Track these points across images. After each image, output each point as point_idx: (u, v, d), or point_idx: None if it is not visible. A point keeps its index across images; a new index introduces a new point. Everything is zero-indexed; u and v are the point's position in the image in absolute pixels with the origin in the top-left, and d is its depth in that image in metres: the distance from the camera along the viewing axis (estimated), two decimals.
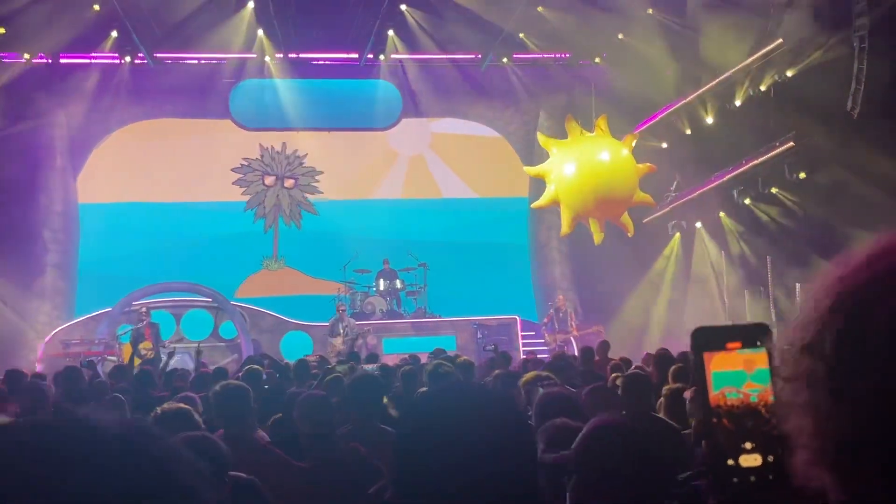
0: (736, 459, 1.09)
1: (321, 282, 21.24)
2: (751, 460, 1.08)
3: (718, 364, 1.11)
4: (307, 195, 22.53)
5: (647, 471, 2.71)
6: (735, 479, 1.09)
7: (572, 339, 19.04)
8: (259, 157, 22.43)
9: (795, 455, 0.96)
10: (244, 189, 22.26)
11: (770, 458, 1.08)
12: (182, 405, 4.50)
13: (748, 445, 1.09)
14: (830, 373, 0.91)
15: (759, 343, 1.11)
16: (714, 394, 1.10)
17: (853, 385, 0.88)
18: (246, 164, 22.35)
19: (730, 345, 1.12)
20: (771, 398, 1.09)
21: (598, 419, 2.97)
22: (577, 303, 21.71)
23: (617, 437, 2.74)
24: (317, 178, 22.52)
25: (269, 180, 22.37)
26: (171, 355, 14.43)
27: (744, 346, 1.11)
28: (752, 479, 1.08)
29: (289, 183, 22.50)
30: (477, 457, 1.58)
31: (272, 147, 22.50)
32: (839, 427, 0.90)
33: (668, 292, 20.53)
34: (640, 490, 2.65)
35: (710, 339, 1.13)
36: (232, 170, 22.23)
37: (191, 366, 14.95)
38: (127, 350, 16.79)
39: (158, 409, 5.02)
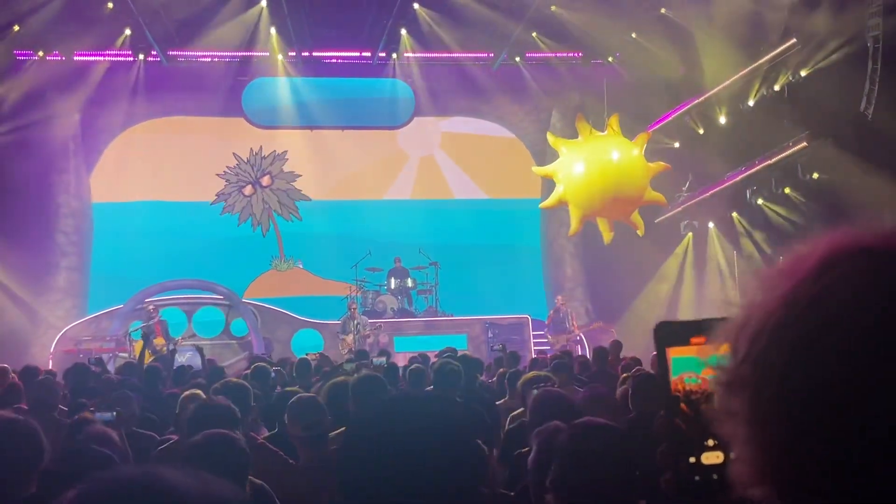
0: (698, 457, 1.07)
1: (330, 283, 21.19)
2: (713, 458, 1.06)
3: (676, 352, 1.09)
4: (290, 184, 22.33)
5: (627, 473, 2.68)
6: (697, 478, 1.07)
7: (582, 337, 19.03)
8: (232, 169, 22.21)
9: (735, 477, 0.94)
10: (230, 206, 22.15)
11: (733, 456, 1.06)
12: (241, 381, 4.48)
13: (710, 443, 1.07)
14: (776, 387, 0.88)
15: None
16: (673, 379, 1.08)
17: (799, 400, 0.86)
18: (224, 181, 22.15)
19: (694, 339, 1.10)
20: None
21: (580, 421, 2.95)
22: (589, 302, 21.68)
23: (593, 440, 2.72)
24: (295, 178, 22.35)
25: (247, 190, 22.24)
26: (173, 352, 14.44)
27: (708, 341, 1.09)
28: (715, 476, 1.06)
29: (265, 180, 22.36)
30: (413, 467, 1.58)
31: (254, 151, 22.34)
32: (780, 440, 0.88)
33: (680, 292, 20.46)
34: (615, 492, 2.63)
35: (673, 333, 1.11)
36: (216, 195, 22.06)
37: (198, 363, 14.98)
38: (138, 347, 16.82)
39: (219, 385, 5.05)
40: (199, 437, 3.25)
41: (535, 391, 4.34)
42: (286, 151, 22.33)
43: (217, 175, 22.04)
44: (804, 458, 0.86)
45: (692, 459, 1.07)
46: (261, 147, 22.29)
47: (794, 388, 0.86)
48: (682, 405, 1.07)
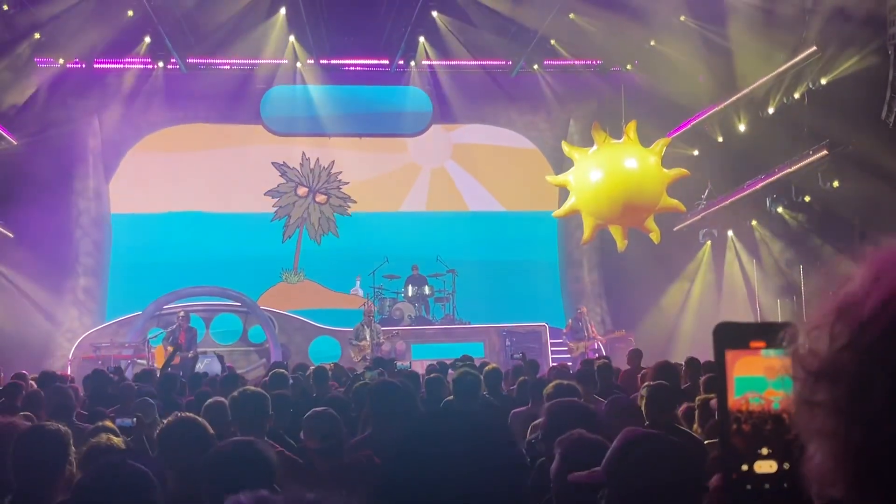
0: (751, 465, 1.04)
1: (342, 295, 21.13)
2: (766, 467, 1.04)
3: (741, 369, 1.06)
4: (337, 213, 22.48)
5: (683, 484, 2.64)
6: (748, 486, 1.04)
7: (600, 345, 18.96)
8: (297, 167, 22.41)
9: (810, 474, 0.90)
10: (276, 199, 22.28)
11: (786, 466, 1.03)
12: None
13: (764, 451, 1.04)
14: (890, 381, 0.84)
15: (784, 344, 1.06)
16: (735, 398, 1.05)
17: (876, 417, 0.82)
18: (282, 171, 22.32)
19: (753, 343, 1.06)
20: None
21: (629, 431, 2.90)
22: (607, 311, 21.61)
23: (652, 450, 2.68)
24: (349, 203, 22.43)
25: (301, 191, 22.35)
26: (195, 359, 14.46)
27: (768, 345, 1.06)
28: (766, 486, 1.03)
29: (321, 198, 22.45)
30: (461, 489, 1.54)
31: (310, 158, 22.41)
32: (861, 456, 0.84)
33: (699, 301, 20.37)
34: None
35: (733, 335, 1.08)
36: (273, 166, 22.16)
37: (218, 370, 15.00)
38: (159, 352, 16.83)
39: (236, 393, 5.03)
40: (227, 443, 3.25)
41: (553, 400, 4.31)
42: (341, 173, 22.39)
43: (273, 164, 22.15)
44: (890, 476, 0.82)
45: (745, 468, 1.04)
46: (317, 159, 22.36)
47: (879, 411, 0.82)
48: (744, 426, 1.04)
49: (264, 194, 22.12)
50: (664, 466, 2.64)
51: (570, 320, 19.25)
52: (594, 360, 11.60)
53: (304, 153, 22.37)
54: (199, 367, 14.53)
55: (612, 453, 2.75)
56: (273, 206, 22.17)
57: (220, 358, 15.03)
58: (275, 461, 3.17)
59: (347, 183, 22.44)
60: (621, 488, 2.68)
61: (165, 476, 3.66)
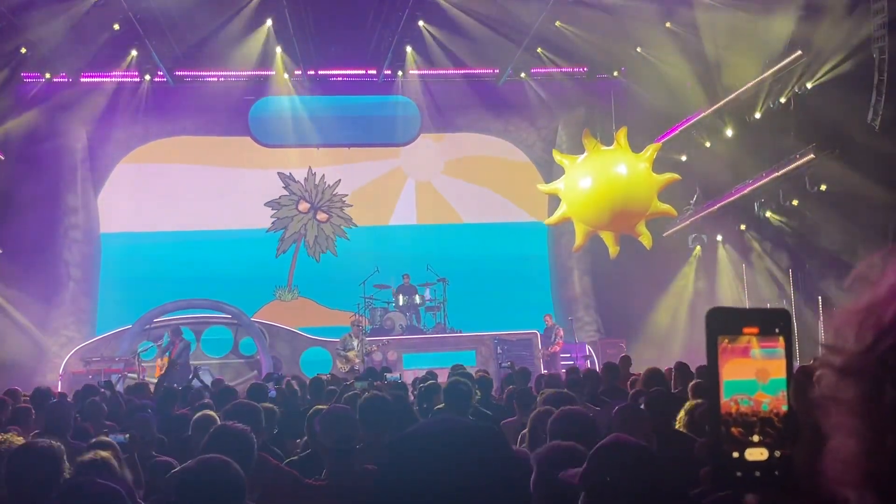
0: (742, 452, 1.03)
1: (336, 312, 21.01)
2: (757, 454, 1.03)
3: (731, 372, 1.05)
4: (339, 236, 22.45)
5: (659, 491, 2.64)
6: (739, 473, 1.03)
7: (592, 353, 19.04)
8: (302, 181, 22.36)
9: (827, 468, 0.89)
10: (275, 211, 22.21)
11: (777, 454, 1.03)
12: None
13: (755, 438, 1.03)
14: (865, 407, 0.85)
15: (777, 331, 1.05)
16: (725, 400, 1.05)
17: (884, 426, 0.83)
18: (286, 183, 22.23)
19: (746, 329, 1.05)
20: (783, 408, 1.03)
21: (610, 438, 2.91)
22: (598, 317, 21.64)
23: (626, 457, 2.68)
24: (351, 224, 22.40)
25: (303, 206, 22.28)
26: (195, 373, 14.42)
27: (761, 332, 1.05)
28: (757, 473, 1.03)
29: (322, 217, 22.42)
30: (460, 500, 1.53)
31: (315, 174, 22.34)
32: (873, 460, 0.84)
33: (689, 305, 20.40)
34: None
35: (726, 321, 1.06)
36: (278, 177, 22.11)
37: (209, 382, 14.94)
38: (158, 364, 16.79)
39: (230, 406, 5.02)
40: (194, 462, 3.24)
41: (552, 410, 4.28)
42: (347, 196, 22.35)
43: (279, 174, 22.11)
44: None
45: (735, 454, 1.03)
46: (324, 175, 22.31)
47: None
48: (733, 429, 1.04)
49: (265, 204, 22.04)
50: (639, 476, 2.64)
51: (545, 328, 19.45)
52: (581, 368, 11.62)
53: (310, 168, 22.29)
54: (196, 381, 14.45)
55: (588, 460, 2.76)
56: (271, 217, 22.11)
57: (196, 371, 15.00)
58: (242, 477, 3.15)
59: (352, 206, 22.39)
60: (595, 495, 2.68)
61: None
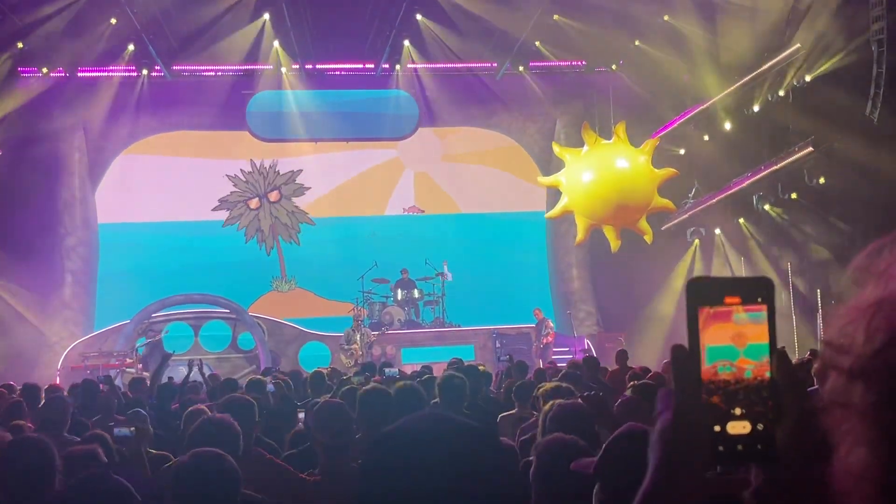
0: (723, 426, 1.01)
1: (333, 303, 21.00)
2: (739, 427, 1.00)
3: (712, 337, 1.01)
4: (297, 203, 22.31)
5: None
6: (721, 448, 1.01)
7: (590, 346, 19.04)
8: (243, 174, 22.19)
9: (836, 480, 0.85)
10: (235, 220, 22.07)
11: (760, 427, 0.99)
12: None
13: (737, 411, 1.00)
14: (879, 412, 0.81)
15: (759, 300, 1.02)
16: (706, 367, 1.02)
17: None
18: (234, 182, 22.14)
19: (728, 299, 1.02)
20: (767, 374, 1.00)
21: (626, 427, 2.89)
22: (596, 311, 21.62)
23: (643, 446, 2.66)
24: (305, 189, 22.28)
25: (253, 203, 22.17)
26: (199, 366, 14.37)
27: (743, 301, 1.02)
28: (739, 447, 1.00)
29: (273, 196, 22.30)
30: (448, 499, 1.50)
31: (256, 163, 22.23)
32: (889, 473, 0.80)
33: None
34: None
35: (707, 291, 1.03)
36: (218, 200, 22.00)
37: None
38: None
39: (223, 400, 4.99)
40: (187, 456, 3.23)
41: (552, 403, 4.25)
42: (301, 171, 22.23)
43: (227, 176, 21.99)
44: None
45: (717, 428, 1.00)
46: (276, 161, 22.23)
47: None
48: (715, 398, 1.01)
49: (213, 209, 21.92)
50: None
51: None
52: (579, 361, 11.60)
53: (252, 160, 22.17)
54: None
55: (604, 448, 2.75)
56: (232, 223, 22.06)
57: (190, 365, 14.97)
58: (237, 472, 3.14)
59: (310, 188, 22.28)
60: (610, 483, 2.67)
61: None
